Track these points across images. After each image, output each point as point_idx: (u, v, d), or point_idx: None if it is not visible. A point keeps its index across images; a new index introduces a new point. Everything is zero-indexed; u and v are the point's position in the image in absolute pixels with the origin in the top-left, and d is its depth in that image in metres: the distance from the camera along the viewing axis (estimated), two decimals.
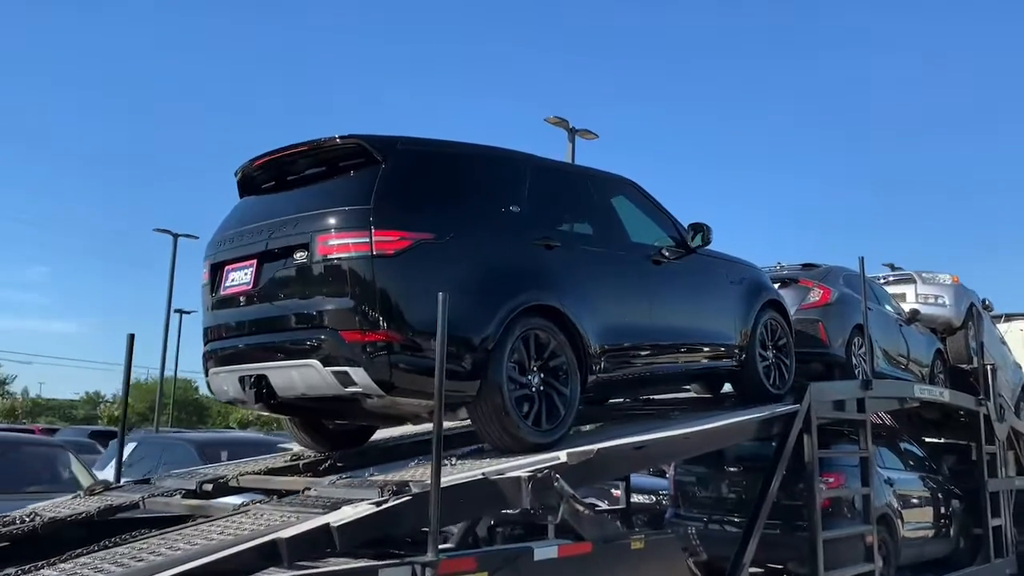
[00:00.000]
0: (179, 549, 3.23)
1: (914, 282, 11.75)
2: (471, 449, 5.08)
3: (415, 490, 3.79)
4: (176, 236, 32.11)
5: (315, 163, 4.70)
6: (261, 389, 4.52)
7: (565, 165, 5.61)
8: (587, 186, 5.61)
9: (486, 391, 4.45)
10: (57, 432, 27.02)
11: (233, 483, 4.76)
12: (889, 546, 8.20)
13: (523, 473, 4.10)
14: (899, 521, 8.47)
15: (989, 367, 10.73)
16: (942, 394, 9.50)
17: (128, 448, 10.18)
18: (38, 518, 4.23)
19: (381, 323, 4.18)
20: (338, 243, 4.24)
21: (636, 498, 11.57)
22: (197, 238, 30.60)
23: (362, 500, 3.67)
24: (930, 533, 9.25)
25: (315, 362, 4.24)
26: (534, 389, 4.70)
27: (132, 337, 5.38)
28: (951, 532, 9.57)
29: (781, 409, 6.30)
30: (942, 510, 9.50)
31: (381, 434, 6.15)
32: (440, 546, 3.67)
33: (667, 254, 5.95)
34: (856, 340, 8.28)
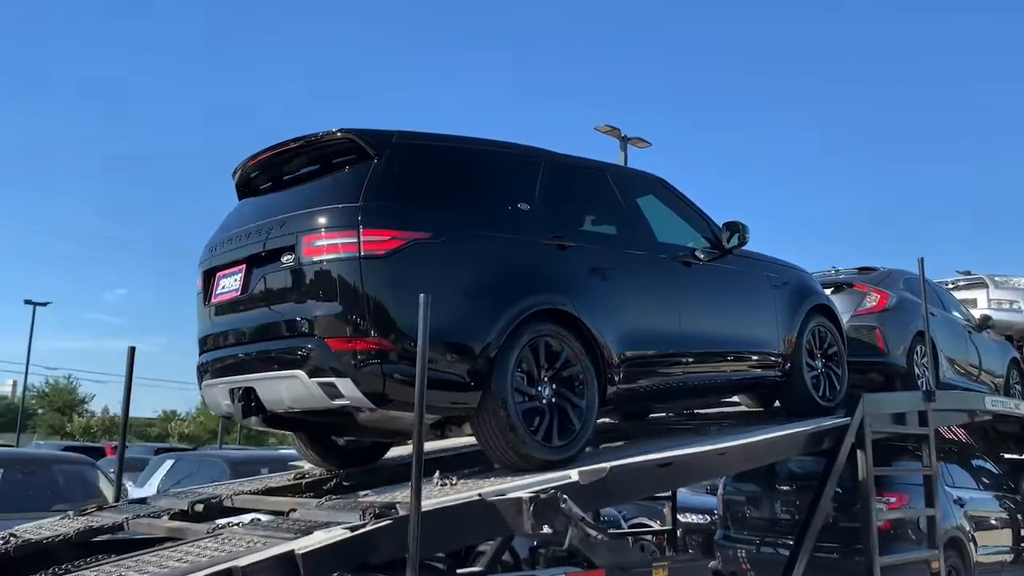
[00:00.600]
0: None
1: (986, 287, 11.01)
2: (480, 468, 4.71)
3: (401, 512, 3.44)
4: None
5: (309, 160, 4.42)
6: (249, 402, 4.23)
7: (585, 161, 5.21)
8: (609, 183, 5.21)
9: (489, 403, 4.08)
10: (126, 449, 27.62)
11: (228, 503, 4.48)
12: (960, 572, 7.55)
13: (524, 494, 3.71)
14: (972, 545, 7.80)
15: None
16: (1018, 406, 8.78)
17: (166, 466, 10.11)
18: (13, 540, 4.01)
19: (370, 330, 3.85)
20: (324, 244, 3.94)
21: (689, 518, 11.07)
22: None
23: (339, 524, 3.34)
24: (1008, 558, 8.51)
25: (300, 373, 3.93)
26: (545, 401, 4.31)
27: (132, 350, 5.18)
28: None
29: (829, 422, 5.78)
30: (1023, 532, 8.76)
31: (397, 451, 5.82)
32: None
33: (700, 255, 5.51)
34: (919, 348, 7.67)
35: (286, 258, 4.05)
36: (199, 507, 4.38)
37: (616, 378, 4.67)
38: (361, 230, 3.90)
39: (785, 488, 7.97)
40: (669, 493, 8.25)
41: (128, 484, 10.81)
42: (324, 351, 3.87)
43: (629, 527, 10.04)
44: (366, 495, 4.16)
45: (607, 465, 4.04)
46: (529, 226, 4.51)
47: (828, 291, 7.66)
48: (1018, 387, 9.79)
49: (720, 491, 8.55)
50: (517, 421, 4.11)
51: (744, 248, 5.91)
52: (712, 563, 7.84)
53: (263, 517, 4.07)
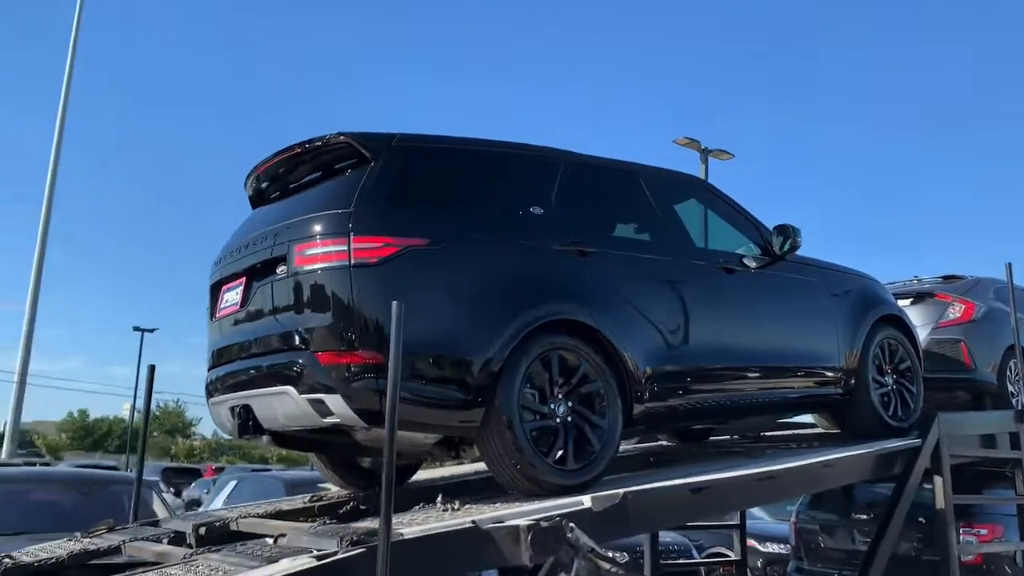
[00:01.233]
0: None
1: None
2: (497, 494, 4.37)
3: (395, 539, 3.15)
4: None
5: (312, 167, 4.23)
6: (247, 420, 4.04)
7: (614, 163, 4.86)
8: (640, 186, 4.84)
9: (493, 422, 3.76)
10: (224, 470, 28.41)
11: (234, 526, 4.29)
12: None
13: (523, 521, 3.37)
14: None
15: None
16: None
17: (230, 485, 10.13)
18: (7, 561, 3.91)
19: (362, 343, 3.60)
20: (314, 253, 3.72)
21: (771, 547, 10.42)
22: None
23: (310, 552, 3.08)
24: None
25: (291, 389, 3.71)
26: (559, 420, 3.96)
27: (152, 368, 5.08)
28: None
29: (894, 444, 5.22)
30: None
31: (426, 473, 5.55)
32: None
33: (748, 262, 5.08)
34: (1012, 364, 6.97)
35: (280, 269, 3.86)
36: (202, 530, 4.19)
37: (644, 395, 4.29)
38: (352, 237, 3.67)
39: (864, 517, 7.36)
40: (736, 520, 7.74)
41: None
42: (314, 366, 3.65)
43: (704, 557, 9.50)
44: (367, 520, 3.90)
45: (620, 491, 3.65)
46: (543, 231, 4.19)
47: (906, 302, 7.07)
48: None
49: (792, 519, 7.98)
50: (525, 442, 3.78)
51: (799, 254, 5.45)
52: None
53: (270, 541, 3.86)
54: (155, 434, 64.65)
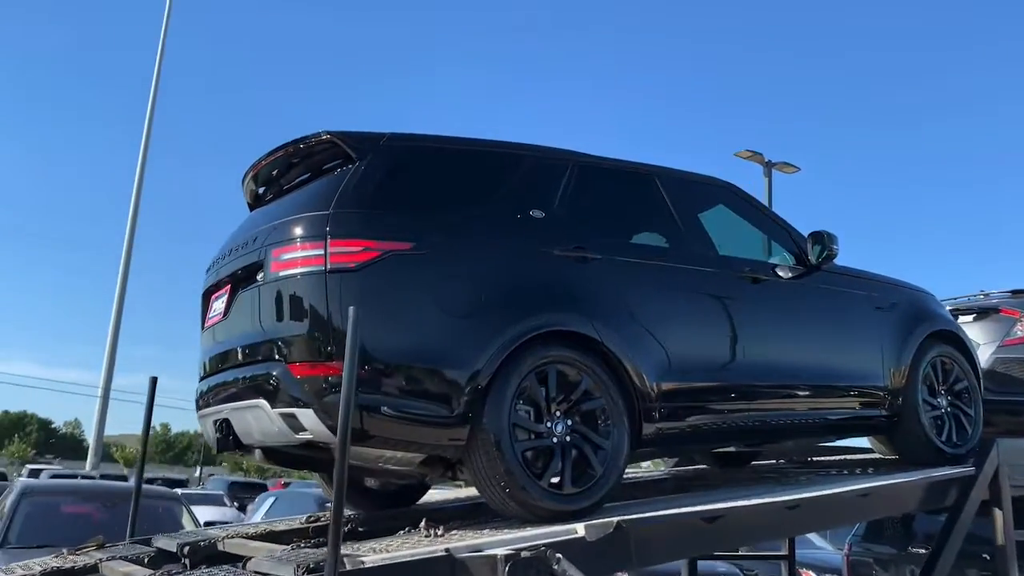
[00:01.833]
0: None
1: None
2: (493, 519, 4.07)
3: (348, 567, 2.90)
4: None
5: (302, 168, 4.03)
6: (227, 435, 3.84)
7: (628, 165, 4.54)
8: (657, 190, 4.51)
9: (480, 441, 3.47)
10: (289, 484, 28.70)
11: (221, 547, 4.08)
12: None
13: (502, 551, 3.07)
14: None
15: None
16: None
17: (269, 502, 10.04)
18: None
19: (336, 354, 3.35)
20: (289, 257, 3.50)
21: None
22: None
23: None
24: None
25: (263, 403, 3.49)
26: (556, 440, 3.65)
27: (154, 380, 4.95)
28: None
29: (943, 472, 4.73)
30: None
31: (440, 494, 5.28)
32: None
33: (780, 272, 4.70)
34: None
35: (260, 275, 3.66)
36: (186, 550, 4.00)
37: (655, 414, 3.95)
38: (328, 241, 3.44)
39: (923, 551, 6.76)
40: (784, 550, 7.24)
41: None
42: (287, 378, 3.42)
43: None
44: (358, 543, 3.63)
45: (614, 520, 3.31)
46: (542, 236, 3.90)
47: (968, 318, 6.53)
48: None
49: (845, 551, 7.44)
50: (515, 463, 3.48)
51: (841, 264, 5.04)
52: None
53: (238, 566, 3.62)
54: None
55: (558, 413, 3.68)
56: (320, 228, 3.47)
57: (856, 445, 6.78)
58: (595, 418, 3.77)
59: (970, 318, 6.57)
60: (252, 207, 4.43)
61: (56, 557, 4.26)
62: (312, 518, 4.69)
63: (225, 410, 3.79)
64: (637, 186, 4.49)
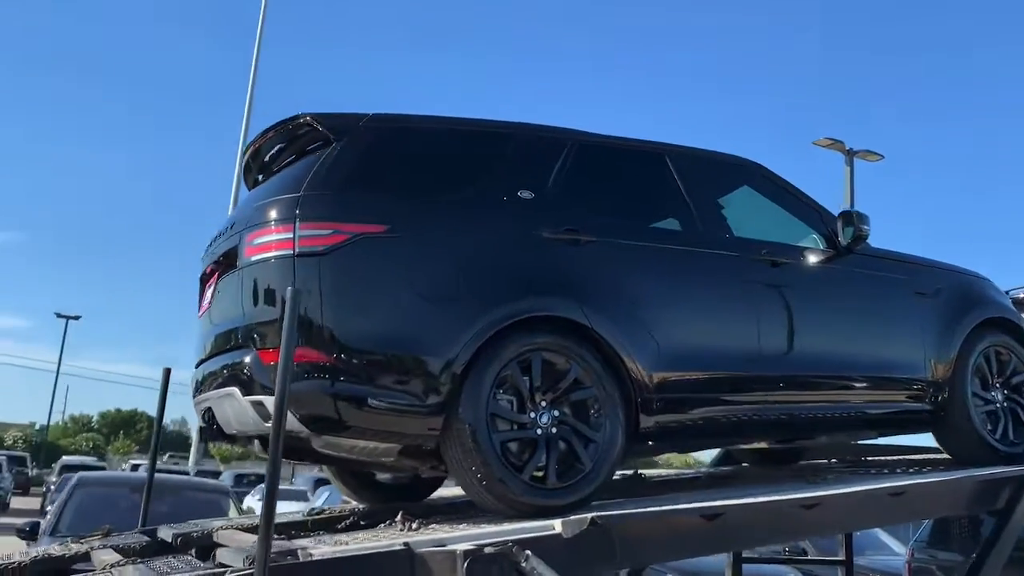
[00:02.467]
0: None
1: None
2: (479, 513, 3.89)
3: (301, 559, 2.79)
4: None
5: (288, 151, 3.94)
6: (211, 424, 3.79)
7: (635, 143, 4.28)
8: (667, 169, 4.25)
9: (455, 432, 3.31)
10: None
11: (216, 537, 4.04)
12: None
13: (462, 546, 2.89)
14: None
15: None
16: None
17: (324, 495, 10.11)
18: None
19: (305, 340, 3.24)
20: (261, 242, 3.42)
21: None
22: None
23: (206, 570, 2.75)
24: None
25: (235, 391, 3.42)
26: (541, 432, 3.46)
27: (168, 371, 4.96)
28: None
29: (988, 472, 4.31)
30: None
31: (452, 490, 5.12)
32: None
33: (808, 255, 4.38)
34: None
35: (239, 261, 3.59)
36: (179, 540, 3.97)
37: (655, 406, 3.71)
38: (297, 224, 3.34)
39: None
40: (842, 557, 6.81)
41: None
42: (256, 366, 3.34)
43: None
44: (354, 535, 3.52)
45: (588, 516, 3.08)
46: (531, 217, 3.71)
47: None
48: None
49: (907, 557, 6.96)
50: (492, 455, 3.30)
51: (879, 247, 4.68)
52: None
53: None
54: None
55: (543, 403, 3.49)
56: (290, 211, 3.37)
57: (922, 444, 6.33)
58: (586, 409, 3.56)
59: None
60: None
61: (61, 545, 4.30)
62: (315, 511, 4.61)
63: (210, 398, 3.74)
64: (645, 165, 4.25)
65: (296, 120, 3.71)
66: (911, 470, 4.96)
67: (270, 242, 3.38)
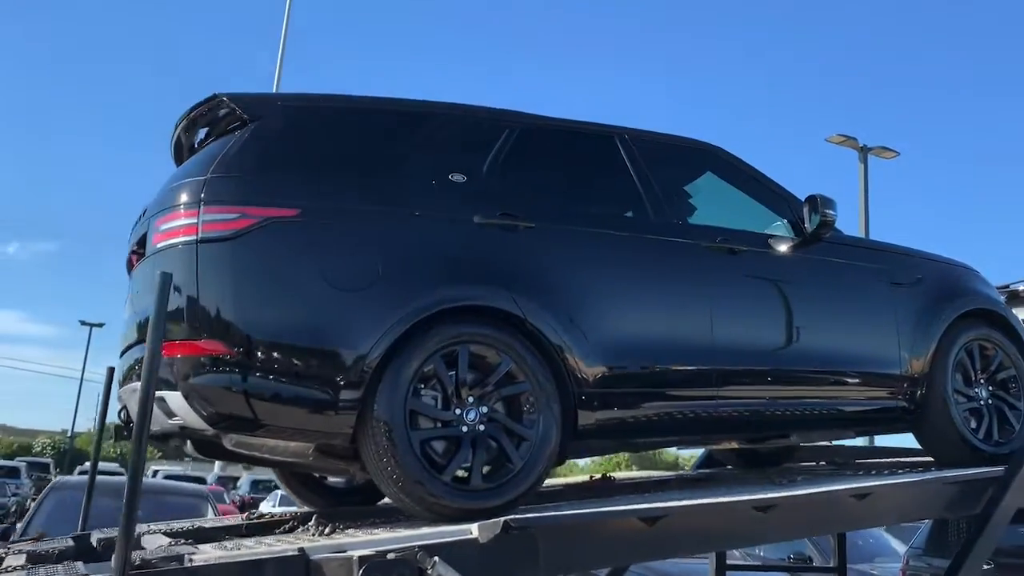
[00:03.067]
0: None
1: None
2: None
3: (183, 563, 2.59)
4: None
5: (209, 134, 3.75)
6: (128, 421, 3.60)
7: (584, 126, 4.05)
8: (618, 152, 4.01)
9: (370, 430, 3.10)
10: None
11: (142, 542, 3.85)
12: None
13: (359, 552, 2.68)
14: None
15: None
16: None
17: None
18: None
19: (204, 331, 3.05)
20: (167, 227, 3.22)
21: None
22: None
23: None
24: None
25: (138, 385, 3.23)
26: (466, 429, 3.23)
27: (111, 371, 4.78)
28: None
29: (962, 473, 4.02)
30: None
31: None
32: None
33: (774, 243, 4.13)
34: None
35: (147, 248, 3.41)
36: (101, 544, 3.79)
37: (596, 402, 3.48)
38: (202, 208, 3.15)
39: (989, 567, 5.96)
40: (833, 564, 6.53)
41: None
42: None
43: None
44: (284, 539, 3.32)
45: (501, 520, 2.84)
46: (460, 202, 3.49)
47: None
48: None
49: (902, 565, 6.65)
50: (409, 455, 3.08)
51: (851, 235, 4.43)
52: None
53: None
54: None
55: (471, 399, 3.27)
56: (195, 195, 3.18)
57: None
58: (519, 405, 3.34)
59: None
60: None
61: None
62: (256, 515, 4.42)
63: (124, 394, 3.56)
64: (593, 149, 4.02)
65: (212, 101, 3.52)
66: (899, 472, 4.68)
67: (176, 228, 3.19)
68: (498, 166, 3.66)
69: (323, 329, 3.12)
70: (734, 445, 5.16)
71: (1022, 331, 4.73)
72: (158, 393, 3.14)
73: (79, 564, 3.20)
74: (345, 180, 3.39)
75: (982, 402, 4.48)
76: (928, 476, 3.96)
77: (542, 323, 3.38)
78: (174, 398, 3.08)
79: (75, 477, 10.48)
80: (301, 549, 2.72)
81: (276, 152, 3.35)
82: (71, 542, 4.02)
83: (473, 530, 2.93)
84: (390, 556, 2.69)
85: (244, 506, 19.29)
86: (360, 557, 2.65)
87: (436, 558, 2.73)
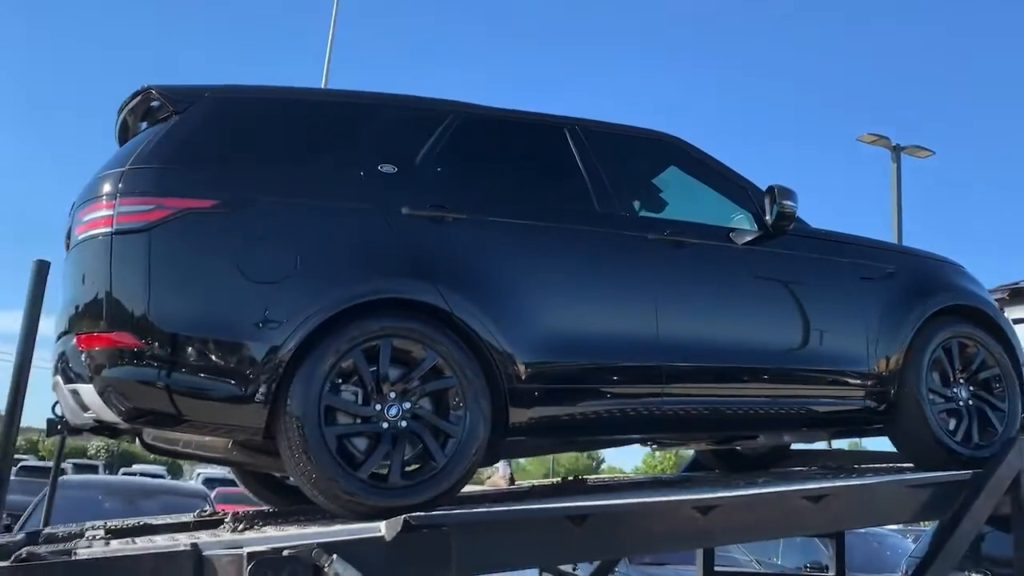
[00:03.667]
0: None
1: None
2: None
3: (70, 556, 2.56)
4: None
5: (142, 126, 3.73)
6: (62, 417, 3.59)
7: (531, 117, 3.94)
8: (566, 143, 3.90)
9: (283, 425, 3.03)
10: None
11: (85, 538, 3.84)
12: None
13: (248, 549, 2.62)
14: None
15: None
16: None
17: None
18: None
19: (118, 323, 3.02)
20: (87, 219, 3.20)
21: None
22: None
23: None
24: None
25: (59, 379, 3.23)
26: (387, 425, 3.15)
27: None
28: None
29: (928, 476, 3.83)
30: None
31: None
32: None
33: (733, 236, 3.98)
34: None
35: (70, 240, 3.40)
36: (44, 543, 3.78)
37: (528, 398, 3.37)
38: (118, 200, 3.12)
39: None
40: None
41: None
42: (72, 351, 3.14)
43: None
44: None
45: (401, 517, 2.75)
46: (387, 194, 3.41)
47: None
48: None
49: (902, 571, 6.39)
50: (322, 451, 3.01)
51: (821, 227, 4.26)
52: None
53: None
54: None
55: (393, 394, 3.19)
56: (113, 186, 3.15)
57: None
58: (445, 401, 3.25)
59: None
60: None
61: None
62: (207, 513, 4.39)
63: (55, 386, 3.55)
64: (539, 141, 3.91)
65: (143, 93, 3.50)
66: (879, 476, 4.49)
67: (94, 219, 3.16)
68: (432, 157, 3.58)
69: (237, 322, 3.06)
70: (704, 446, 5.00)
71: (1009, 329, 4.51)
72: (72, 386, 3.15)
73: None
74: (267, 171, 3.34)
75: (961, 403, 4.27)
76: (888, 479, 3.78)
77: (470, 317, 3.29)
78: (87, 391, 3.05)
79: (76, 476, 10.64)
80: (194, 544, 2.66)
81: (197, 143, 3.31)
82: (21, 537, 4.04)
83: (381, 527, 2.85)
84: (285, 553, 2.63)
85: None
86: (250, 553, 2.59)
87: (334, 556, 2.65)
